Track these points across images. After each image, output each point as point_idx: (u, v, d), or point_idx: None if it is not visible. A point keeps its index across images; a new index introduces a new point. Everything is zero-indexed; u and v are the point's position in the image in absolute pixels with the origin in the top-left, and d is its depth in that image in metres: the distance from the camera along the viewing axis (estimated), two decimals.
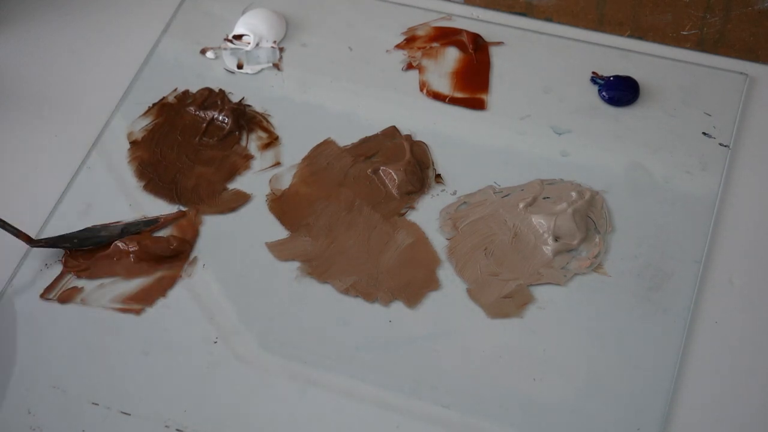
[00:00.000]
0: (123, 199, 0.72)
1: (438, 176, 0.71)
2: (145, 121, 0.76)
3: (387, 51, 0.79)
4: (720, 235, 0.67)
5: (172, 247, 0.68)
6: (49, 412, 0.62)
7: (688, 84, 0.75)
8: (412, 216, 0.70)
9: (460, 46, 0.78)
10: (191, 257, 0.68)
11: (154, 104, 0.77)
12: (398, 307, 0.65)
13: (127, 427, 0.62)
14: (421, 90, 0.76)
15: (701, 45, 0.77)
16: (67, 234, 0.69)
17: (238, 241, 0.69)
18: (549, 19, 0.80)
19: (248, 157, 0.74)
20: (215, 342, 0.64)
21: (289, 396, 0.62)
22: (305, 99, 0.77)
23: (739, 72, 0.75)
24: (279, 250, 0.68)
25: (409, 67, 0.78)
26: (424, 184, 0.71)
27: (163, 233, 0.70)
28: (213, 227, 0.70)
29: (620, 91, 0.73)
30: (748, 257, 0.66)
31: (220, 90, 0.77)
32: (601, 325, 0.64)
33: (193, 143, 0.75)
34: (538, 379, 0.62)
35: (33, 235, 0.70)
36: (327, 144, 0.74)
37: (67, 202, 0.72)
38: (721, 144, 0.71)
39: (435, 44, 0.79)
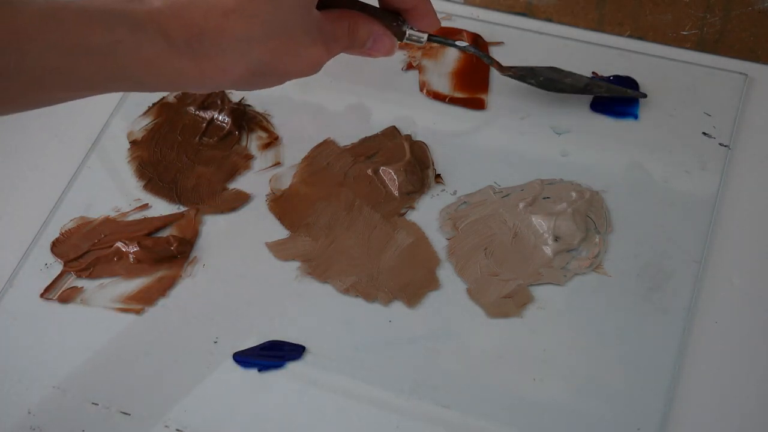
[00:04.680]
0: (123, 199, 0.72)
1: (438, 176, 0.71)
2: (145, 121, 0.76)
3: None
4: (720, 235, 0.67)
5: (172, 248, 0.68)
6: (49, 412, 0.62)
7: (688, 84, 0.75)
8: (412, 216, 0.70)
9: None
10: (191, 257, 0.68)
11: (154, 104, 0.77)
12: (398, 307, 0.65)
13: (127, 427, 0.62)
14: (421, 90, 0.76)
15: (701, 45, 0.77)
16: (536, 68, 0.73)
17: (238, 241, 0.69)
18: (549, 19, 0.80)
19: (248, 157, 0.74)
20: (215, 342, 0.65)
21: (290, 396, 0.62)
22: (305, 99, 0.77)
23: (739, 72, 0.75)
24: (279, 250, 0.68)
25: (409, 67, 0.78)
26: (424, 184, 0.71)
27: (163, 233, 0.70)
28: (213, 227, 0.70)
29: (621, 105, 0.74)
30: (748, 257, 0.66)
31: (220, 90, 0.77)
32: (601, 325, 0.64)
33: (193, 143, 0.75)
34: (538, 379, 0.62)
35: (32, 234, 0.70)
36: (327, 144, 0.74)
37: (67, 202, 0.72)
38: (721, 144, 0.71)
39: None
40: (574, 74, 0.73)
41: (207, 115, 0.76)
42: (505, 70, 0.72)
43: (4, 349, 0.65)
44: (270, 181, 0.72)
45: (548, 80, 0.73)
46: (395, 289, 0.66)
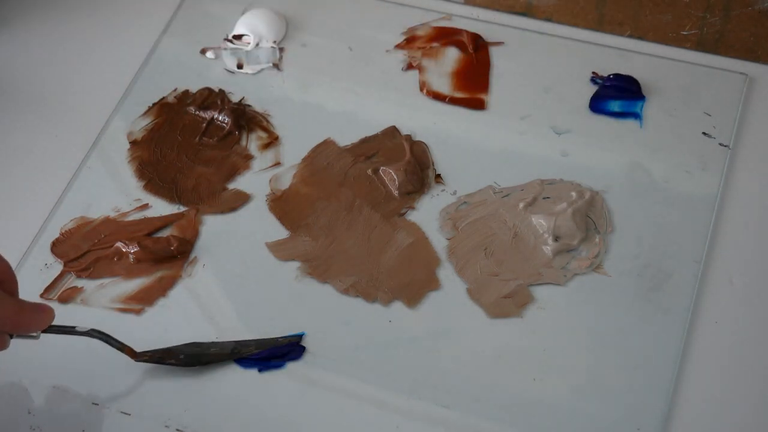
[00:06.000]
0: (123, 199, 0.72)
1: (438, 176, 0.71)
2: (145, 121, 0.76)
3: (387, 51, 0.79)
4: (720, 235, 0.67)
5: (172, 248, 0.68)
6: (49, 412, 0.62)
7: (688, 84, 0.75)
8: (412, 216, 0.70)
9: (460, 46, 0.78)
10: (191, 257, 0.68)
11: (154, 104, 0.77)
12: (398, 307, 0.65)
13: (127, 427, 0.61)
14: (421, 90, 0.76)
15: (701, 45, 0.77)
16: (173, 348, 0.63)
17: (238, 241, 0.69)
18: (549, 19, 0.80)
19: (248, 157, 0.74)
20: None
21: (290, 396, 0.62)
22: (305, 99, 0.77)
23: (739, 72, 0.75)
24: (279, 250, 0.68)
25: (409, 67, 0.78)
26: (424, 184, 0.71)
27: (163, 233, 0.70)
28: (213, 227, 0.70)
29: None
30: (748, 257, 0.66)
31: (220, 90, 0.77)
32: (601, 325, 0.64)
33: (193, 143, 0.75)
34: (538, 379, 0.62)
35: (32, 234, 0.70)
36: (327, 144, 0.74)
37: (67, 202, 0.72)
38: (721, 144, 0.71)
39: (435, 44, 0.79)
40: (218, 342, 0.64)
41: (207, 115, 0.76)
42: (138, 356, 0.62)
43: None
44: (270, 181, 0.72)
45: (190, 357, 0.63)
46: (395, 289, 0.66)
